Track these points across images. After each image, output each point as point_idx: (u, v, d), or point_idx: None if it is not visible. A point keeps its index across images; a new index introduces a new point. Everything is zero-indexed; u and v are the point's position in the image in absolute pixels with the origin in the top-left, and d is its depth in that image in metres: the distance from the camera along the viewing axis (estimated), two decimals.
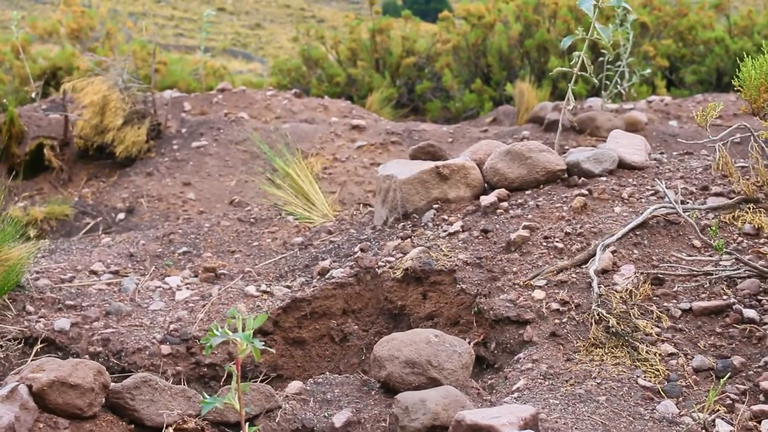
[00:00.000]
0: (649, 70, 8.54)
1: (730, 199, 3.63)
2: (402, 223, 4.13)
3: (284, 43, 44.58)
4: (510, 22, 11.47)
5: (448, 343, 2.82)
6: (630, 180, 3.98)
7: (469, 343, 3.23)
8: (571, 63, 4.77)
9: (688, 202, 3.69)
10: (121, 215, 6.71)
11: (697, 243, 3.41)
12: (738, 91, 3.68)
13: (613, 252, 3.34)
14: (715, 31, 12.31)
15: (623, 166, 4.10)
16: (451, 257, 3.60)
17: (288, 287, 3.95)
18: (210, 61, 15.22)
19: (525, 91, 9.92)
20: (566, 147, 6.90)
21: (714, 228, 3.02)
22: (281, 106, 10.36)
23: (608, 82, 7.90)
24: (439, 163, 4.14)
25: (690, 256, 3.33)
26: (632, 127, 7.15)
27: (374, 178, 6.95)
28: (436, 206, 4.11)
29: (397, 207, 4.18)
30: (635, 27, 11.53)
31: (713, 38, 12.20)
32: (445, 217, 4.00)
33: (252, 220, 5.09)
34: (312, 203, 5.36)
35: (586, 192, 3.84)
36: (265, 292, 3.94)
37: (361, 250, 4.04)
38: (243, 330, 1.84)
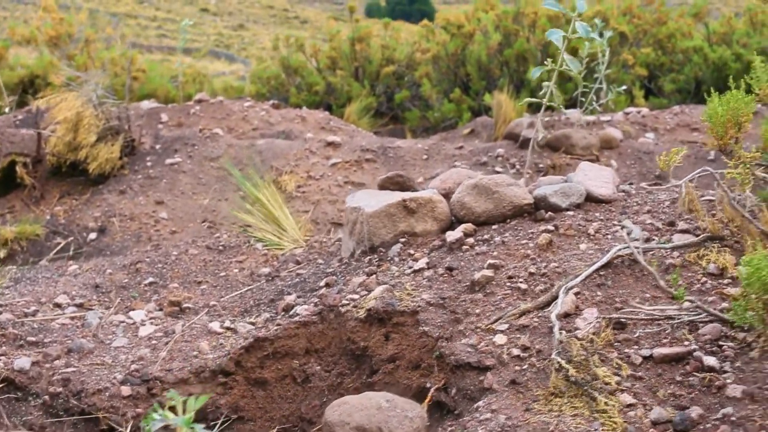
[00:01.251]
0: (624, 87, 8.51)
1: (696, 236, 3.61)
2: (369, 257, 4.11)
3: (267, 44, 44.49)
4: (489, 31, 11.46)
5: (399, 408, 2.79)
6: (597, 214, 3.96)
7: (430, 388, 3.21)
8: (541, 93, 4.76)
9: (653, 239, 3.67)
10: (93, 235, 6.66)
11: (661, 284, 3.39)
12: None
13: (576, 294, 3.31)
14: (694, 40, 12.33)
15: (591, 199, 4.08)
16: (414, 297, 3.58)
17: (252, 324, 3.91)
18: (189, 69, 15.15)
19: (503, 103, 9.90)
20: (540, 165, 6.91)
21: (675, 276, 2.99)
22: (259, 118, 10.31)
23: (584, 99, 7.89)
24: (407, 196, 4.12)
25: (654, 297, 3.30)
26: (607, 144, 7.15)
27: (346, 196, 6.94)
28: (402, 240, 4.08)
29: (364, 240, 4.15)
30: (614, 37, 11.55)
31: (692, 47, 12.21)
32: (411, 251, 3.98)
33: (220, 247, 5.05)
34: (282, 228, 5.33)
35: (552, 228, 3.82)
36: (228, 328, 3.90)
37: (327, 285, 4.01)
38: (183, 413, 1.80)
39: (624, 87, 8.46)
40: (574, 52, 11.13)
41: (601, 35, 9.63)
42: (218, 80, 31.46)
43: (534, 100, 4.67)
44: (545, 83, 4.54)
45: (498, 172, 6.83)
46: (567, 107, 10.61)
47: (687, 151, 7.23)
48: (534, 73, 4.64)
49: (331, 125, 10.58)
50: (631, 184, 4.47)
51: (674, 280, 2.96)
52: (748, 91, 3.59)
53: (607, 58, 8.28)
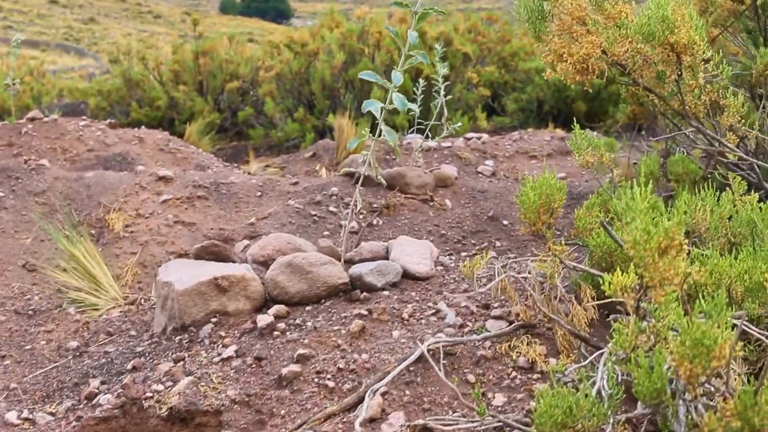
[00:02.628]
0: (459, 124, 8.54)
1: (510, 323, 3.58)
2: (179, 336, 3.94)
3: (119, 38, 43.48)
4: (334, 50, 11.36)
5: None
6: (413, 294, 3.89)
7: None
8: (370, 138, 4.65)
9: (468, 325, 3.61)
10: None
11: (471, 378, 3.33)
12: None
13: (383, 394, 3.22)
14: (535, 61, 12.51)
15: (408, 276, 4.02)
16: (220, 392, 3.42)
17: (52, 414, 3.69)
18: (27, 77, 14.57)
19: (344, 127, 9.83)
20: (375, 205, 6.82)
21: (476, 393, 2.93)
22: (94, 138, 9.96)
23: (421, 121, 7.88)
24: (219, 274, 3.96)
25: (465, 395, 3.24)
26: (442, 182, 7.12)
27: (177, 238, 6.71)
28: (214, 320, 3.92)
29: (175, 317, 3.98)
30: (458, 57, 11.62)
31: (533, 68, 12.39)
32: (223, 333, 3.82)
33: (30, 311, 4.79)
34: (100, 285, 5.10)
35: (366, 312, 3.73)
36: (27, 419, 3.67)
37: (134, 368, 3.82)
38: None
39: (459, 124, 8.48)
40: (418, 74, 11.15)
41: (444, 58, 9.67)
42: (64, 79, 30.53)
43: (362, 156, 4.56)
44: (364, 152, 4.44)
45: (332, 212, 6.72)
46: (411, 129, 10.63)
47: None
48: (366, 106, 4.52)
49: (170, 146, 10.30)
50: (450, 255, 4.42)
51: (475, 395, 2.89)
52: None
53: (448, 84, 8.28)
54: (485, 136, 9.90)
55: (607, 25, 3.63)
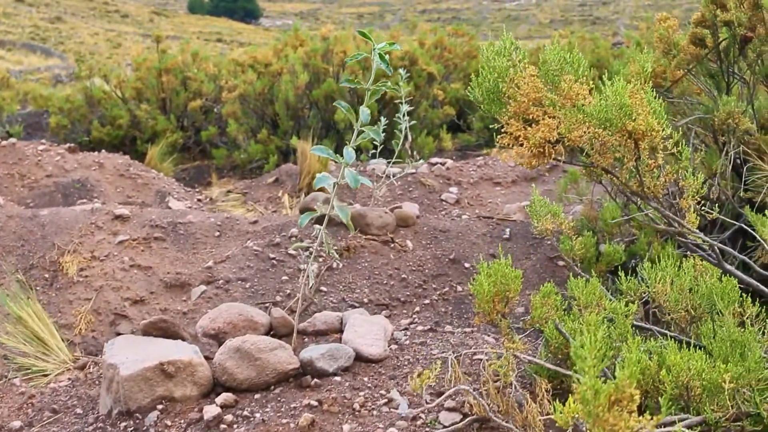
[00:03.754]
0: (422, 161, 8.45)
1: (464, 415, 3.47)
2: (125, 422, 3.80)
3: (86, 38, 43.14)
4: (297, 71, 11.22)
5: None
6: (365, 379, 3.77)
7: None
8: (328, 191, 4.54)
9: (420, 417, 3.51)
10: None
11: None
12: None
13: None
14: None
15: (360, 358, 3.90)
16: None
17: None
18: None
19: (307, 154, 9.71)
20: (335, 246, 6.70)
21: None
22: (53, 163, 9.81)
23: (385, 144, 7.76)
24: (165, 359, 3.82)
25: None
26: (403, 222, 7.01)
27: (132, 283, 6.56)
28: (161, 406, 3.79)
29: (120, 400, 3.85)
30: (423, 77, 11.51)
31: None
32: (169, 423, 3.69)
33: None
34: (49, 349, 4.96)
35: (316, 403, 3.61)
36: None
37: None
38: None
39: (421, 161, 8.41)
40: (384, 96, 11.01)
41: (410, 78, 9.56)
42: (30, 81, 30.18)
43: (320, 212, 4.43)
44: (317, 226, 4.32)
45: (291, 255, 6.59)
46: (374, 153, 10.52)
47: (485, 229, 7.23)
48: (317, 182, 4.37)
49: (131, 172, 10.15)
50: (405, 330, 4.31)
51: None
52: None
53: (413, 104, 8.19)
54: (450, 162, 9.82)
55: (564, 105, 3.53)
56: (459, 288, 6.33)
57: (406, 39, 14.40)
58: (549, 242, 6.72)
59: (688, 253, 4.13)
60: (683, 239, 3.76)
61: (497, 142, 3.55)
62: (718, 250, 3.75)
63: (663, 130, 3.38)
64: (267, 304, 5.76)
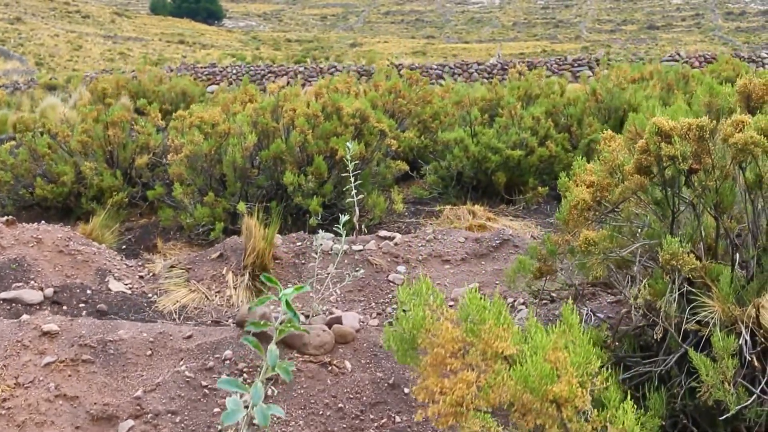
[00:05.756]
0: (372, 241, 8.23)
1: None
2: None
3: (46, 39, 42.57)
4: (245, 132, 10.93)
5: None
6: None
7: None
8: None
9: None
10: None
11: None
12: None
13: None
14: (455, 132, 12.18)
15: None
16: None
17: None
18: None
19: (252, 229, 9.46)
20: (287, 367, 6.47)
21: None
22: None
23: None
24: None
25: None
26: (342, 339, 6.77)
27: (57, 416, 6.30)
28: None
29: None
30: (375, 134, 11.26)
31: (453, 139, 12.07)
32: None
33: None
34: None
35: None
36: None
37: None
38: None
39: (371, 240, 8.20)
40: (333, 153, 10.77)
41: (360, 135, 9.35)
42: None
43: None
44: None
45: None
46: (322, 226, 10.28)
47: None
48: (224, 418, 4.12)
49: (70, 247, 9.88)
50: None
51: None
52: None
53: (364, 162, 8.00)
54: (398, 237, 9.58)
55: (485, 352, 3.31)
56: (398, 418, 6.14)
57: (364, 86, 14.15)
58: None
59: None
60: None
61: (413, 393, 3.32)
62: None
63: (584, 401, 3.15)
64: None
